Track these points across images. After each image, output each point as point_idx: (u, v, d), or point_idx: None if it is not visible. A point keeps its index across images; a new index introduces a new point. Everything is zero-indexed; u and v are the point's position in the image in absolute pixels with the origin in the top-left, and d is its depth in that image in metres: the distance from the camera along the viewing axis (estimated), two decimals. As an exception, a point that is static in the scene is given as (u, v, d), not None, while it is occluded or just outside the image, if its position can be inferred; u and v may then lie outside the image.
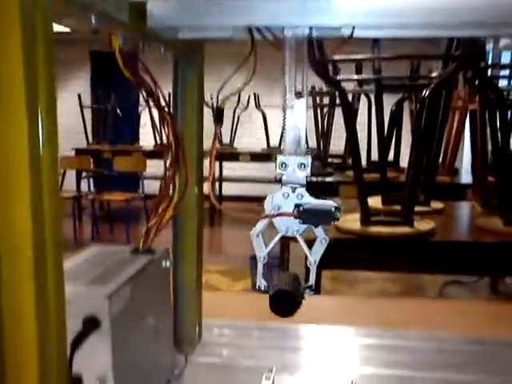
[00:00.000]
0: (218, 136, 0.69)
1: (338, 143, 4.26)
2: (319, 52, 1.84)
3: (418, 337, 0.94)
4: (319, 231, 0.65)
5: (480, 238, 1.99)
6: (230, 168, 6.80)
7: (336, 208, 0.63)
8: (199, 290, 0.85)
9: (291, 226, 0.65)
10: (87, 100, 7.23)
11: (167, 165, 0.69)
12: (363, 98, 3.47)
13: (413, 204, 1.98)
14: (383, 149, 2.37)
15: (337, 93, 2.25)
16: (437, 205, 2.42)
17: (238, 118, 6.44)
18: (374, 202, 2.40)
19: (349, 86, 2.99)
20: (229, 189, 7.02)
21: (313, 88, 3.71)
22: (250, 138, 6.90)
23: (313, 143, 4.39)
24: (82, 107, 6.64)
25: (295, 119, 0.64)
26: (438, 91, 1.95)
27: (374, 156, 2.98)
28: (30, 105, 0.40)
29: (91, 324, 0.54)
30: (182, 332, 0.83)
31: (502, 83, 3.00)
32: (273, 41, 0.63)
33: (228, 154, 6.09)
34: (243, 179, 6.91)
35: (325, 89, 3.65)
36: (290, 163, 0.64)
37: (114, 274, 0.60)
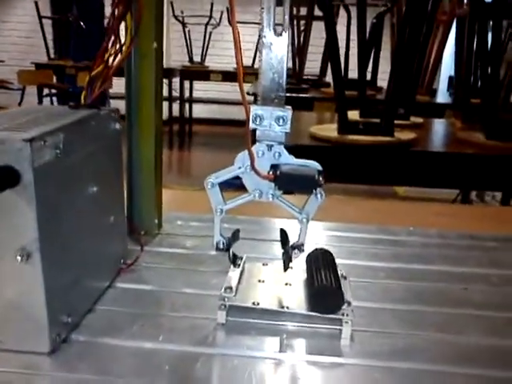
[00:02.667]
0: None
1: (312, 61, 4.09)
2: None
3: (399, 232, 0.85)
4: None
5: (462, 150, 1.90)
6: (201, 89, 6.55)
7: (319, 172, 0.53)
8: (159, 171, 0.72)
9: (265, 189, 0.55)
10: (47, 11, 6.74)
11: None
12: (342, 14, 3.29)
13: (393, 114, 1.87)
14: (363, 63, 2.23)
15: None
16: (417, 119, 2.33)
17: (210, 34, 6.13)
18: (352, 115, 2.29)
19: None
20: (199, 111, 6.81)
21: None
22: (221, 58, 6.60)
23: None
24: (40, 17, 6.16)
25: (274, 61, 0.53)
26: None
27: (352, 75, 2.84)
28: None
29: (7, 178, 0.41)
30: (137, 218, 0.71)
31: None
32: None
33: (199, 72, 5.84)
34: (214, 101, 6.68)
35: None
36: (266, 116, 0.53)
37: (43, 123, 0.46)
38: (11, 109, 0.54)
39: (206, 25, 6.10)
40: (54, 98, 6.27)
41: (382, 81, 3.23)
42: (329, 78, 3.19)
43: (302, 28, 3.87)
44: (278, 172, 0.53)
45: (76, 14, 6.02)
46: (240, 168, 0.55)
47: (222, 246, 0.57)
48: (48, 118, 0.48)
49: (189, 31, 6.05)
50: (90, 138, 0.51)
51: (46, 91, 5.87)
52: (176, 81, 5.98)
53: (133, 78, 0.66)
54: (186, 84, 6.25)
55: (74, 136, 0.47)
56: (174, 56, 6.73)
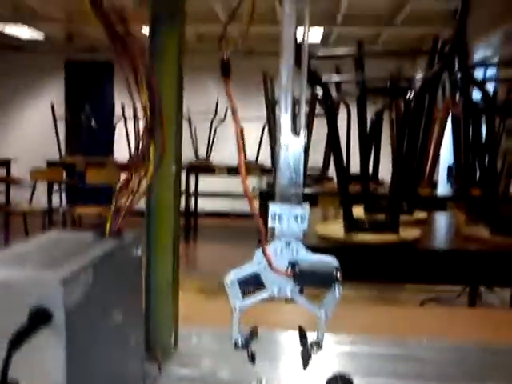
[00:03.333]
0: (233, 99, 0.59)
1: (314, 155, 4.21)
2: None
3: (415, 346, 0.84)
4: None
5: (467, 246, 1.92)
6: (206, 182, 6.68)
7: (336, 268, 0.55)
8: (176, 289, 0.73)
9: (283, 285, 0.55)
10: (61, 111, 7.06)
11: (140, 133, 0.58)
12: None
13: (398, 211, 1.90)
14: (366, 157, 2.30)
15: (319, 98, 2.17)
16: (420, 214, 2.36)
17: (215, 130, 6.36)
18: (356, 211, 2.33)
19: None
20: (205, 204, 6.90)
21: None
22: (226, 152, 6.80)
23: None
24: (55, 118, 6.46)
25: (291, 160, 0.56)
26: (423, 93, 1.89)
27: (353, 169, 2.92)
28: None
29: (39, 318, 0.42)
30: (155, 337, 0.72)
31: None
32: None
33: (204, 167, 5.99)
34: (219, 194, 6.79)
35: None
36: (285, 214, 0.55)
37: (72, 258, 0.49)
38: (37, 237, 0.57)
39: (212, 121, 6.34)
40: (63, 193, 6.42)
41: (383, 174, 3.32)
42: (332, 170, 3.27)
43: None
44: (297, 269, 0.53)
45: (89, 112, 6.30)
46: (259, 264, 0.55)
47: (240, 344, 0.56)
48: (76, 251, 0.51)
49: (195, 128, 6.28)
50: (115, 270, 0.54)
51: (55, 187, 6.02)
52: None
53: (152, 199, 0.69)
54: (192, 178, 6.40)
55: (101, 271, 0.49)
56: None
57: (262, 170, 5.40)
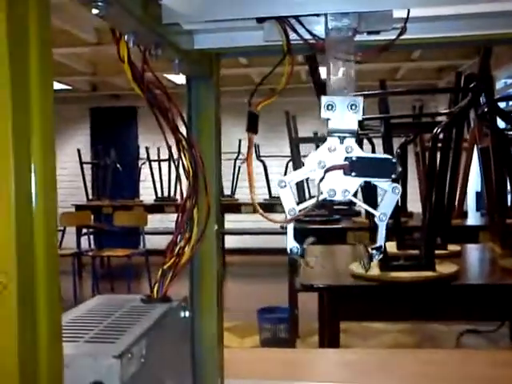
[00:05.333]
0: (252, 146, 0.58)
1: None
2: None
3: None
4: (384, 181, 0.53)
5: (505, 280, 1.87)
6: (232, 220, 6.70)
7: (396, 161, 0.52)
8: (220, 347, 0.73)
9: (339, 187, 0.52)
10: (88, 156, 7.24)
11: (184, 196, 0.59)
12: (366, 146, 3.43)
13: (433, 247, 1.87)
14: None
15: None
16: (454, 247, 2.31)
17: (239, 169, 6.41)
18: (389, 247, 2.30)
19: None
20: (231, 241, 6.90)
21: (315, 134, 3.67)
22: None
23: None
24: (81, 163, 6.61)
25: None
26: (452, 127, 1.89)
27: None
28: (18, 155, 0.33)
29: (98, 392, 0.42)
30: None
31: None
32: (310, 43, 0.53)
33: (230, 205, 6.02)
34: (246, 232, 6.79)
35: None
36: (338, 104, 0.51)
37: (124, 328, 0.49)
38: (86, 303, 0.57)
39: (235, 160, 6.40)
40: (91, 236, 6.50)
41: (410, 205, 3.29)
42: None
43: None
44: (354, 158, 0.51)
45: (114, 157, 6.43)
46: (312, 169, 0.53)
47: (296, 251, 0.56)
48: (128, 320, 0.51)
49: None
50: (166, 336, 0.54)
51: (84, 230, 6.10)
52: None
53: (195, 259, 0.69)
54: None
55: (154, 340, 0.50)
56: (205, 190, 6.98)
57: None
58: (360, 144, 2.03)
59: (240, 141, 6.46)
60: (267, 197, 6.22)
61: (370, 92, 2.00)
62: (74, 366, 0.40)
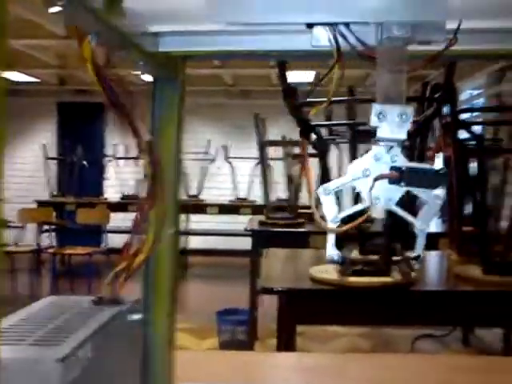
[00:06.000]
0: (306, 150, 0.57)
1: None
2: (294, 96, 1.80)
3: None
4: (425, 192, 0.53)
5: (460, 287, 1.92)
6: (197, 221, 6.67)
7: (442, 171, 0.52)
8: (172, 350, 0.72)
9: (383, 195, 0.52)
10: (54, 152, 7.11)
11: (142, 198, 0.59)
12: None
13: (391, 253, 1.90)
14: (356, 199, 2.32)
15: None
16: (414, 254, 2.36)
17: (206, 169, 6.40)
18: (353, 252, 2.33)
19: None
20: (195, 242, 6.87)
21: (283, 138, 3.69)
22: (218, 191, 6.81)
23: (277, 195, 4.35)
24: (46, 158, 6.48)
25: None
26: (416, 136, 1.93)
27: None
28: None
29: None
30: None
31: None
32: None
33: (195, 206, 5.99)
34: (210, 232, 6.77)
35: (294, 138, 3.64)
36: (388, 113, 0.51)
37: (71, 331, 0.48)
38: (34, 305, 0.56)
39: (203, 160, 6.39)
40: (53, 233, 6.37)
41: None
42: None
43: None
44: (404, 167, 0.51)
45: (81, 153, 6.33)
46: (355, 176, 0.53)
47: (336, 259, 0.56)
48: (74, 322, 0.50)
49: (185, 166, 6.32)
50: (115, 339, 0.53)
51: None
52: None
53: (151, 262, 0.69)
54: (182, 216, 6.39)
55: (101, 343, 0.49)
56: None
57: (255, 208, 5.39)
58: (326, 149, 2.03)
59: (209, 141, 6.46)
60: (233, 198, 6.22)
61: (338, 98, 2.03)
62: (13, 369, 0.39)
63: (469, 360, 1.27)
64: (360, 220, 0.53)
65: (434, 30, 0.51)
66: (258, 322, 3.61)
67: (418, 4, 0.49)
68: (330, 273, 1.85)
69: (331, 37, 0.54)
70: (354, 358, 1.32)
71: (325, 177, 1.89)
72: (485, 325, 3.15)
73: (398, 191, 0.53)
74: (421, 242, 0.56)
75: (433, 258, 2.55)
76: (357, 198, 0.57)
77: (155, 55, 0.58)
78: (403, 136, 0.52)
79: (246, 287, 3.56)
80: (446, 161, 2.57)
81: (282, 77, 1.75)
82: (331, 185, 0.54)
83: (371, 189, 0.52)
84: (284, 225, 3.38)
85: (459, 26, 0.51)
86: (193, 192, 6.30)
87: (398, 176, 0.51)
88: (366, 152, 0.56)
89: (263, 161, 3.59)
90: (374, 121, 0.51)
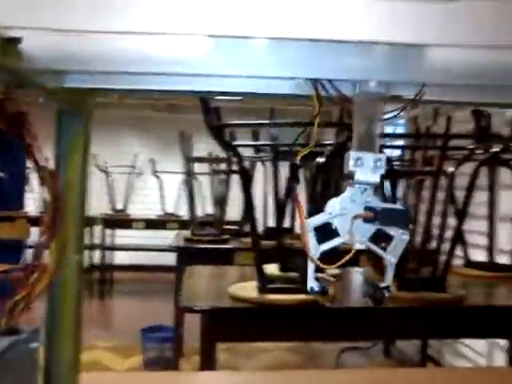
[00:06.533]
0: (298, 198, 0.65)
1: (235, 210, 4.28)
2: (216, 116, 1.84)
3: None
4: (393, 229, 0.59)
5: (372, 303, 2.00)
6: (123, 235, 6.53)
7: (409, 211, 0.59)
8: (76, 376, 0.72)
9: (359, 231, 0.59)
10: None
11: (43, 226, 0.59)
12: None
13: (307, 269, 1.96)
14: (280, 215, 2.38)
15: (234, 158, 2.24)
16: (334, 271, 2.43)
17: (133, 183, 6.30)
18: (272, 269, 2.38)
19: (246, 153, 3.03)
20: (121, 257, 6.72)
21: (209, 154, 3.72)
22: (145, 205, 6.71)
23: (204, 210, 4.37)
24: (-41, 170, 6.13)
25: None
26: (333, 157, 2.01)
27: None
28: None
29: None
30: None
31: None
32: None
33: (121, 220, 5.86)
34: (137, 248, 6.64)
35: (221, 155, 3.67)
36: (365, 159, 0.57)
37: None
38: None
39: (130, 174, 6.29)
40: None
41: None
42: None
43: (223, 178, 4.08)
44: (379, 208, 0.57)
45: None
46: (332, 214, 0.59)
47: (316, 289, 0.61)
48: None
49: (112, 180, 6.19)
50: (11, 368, 0.53)
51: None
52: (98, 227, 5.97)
53: (54, 289, 0.69)
54: (108, 230, 6.25)
55: (-6, 375, 0.49)
56: (95, 203, 6.75)
57: (183, 223, 5.35)
58: (254, 167, 2.09)
59: (135, 155, 6.37)
60: (161, 213, 6.15)
61: (261, 121, 2.11)
62: None
63: (386, 373, 1.33)
64: (348, 257, 0.59)
65: (406, 86, 0.58)
66: (183, 339, 3.58)
67: (395, 66, 0.54)
68: (249, 290, 1.88)
69: (312, 87, 0.59)
70: (279, 375, 1.35)
71: (247, 196, 1.93)
72: (400, 338, 3.31)
73: (371, 228, 0.59)
74: (390, 273, 0.61)
75: (353, 275, 2.63)
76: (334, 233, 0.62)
77: (58, 91, 0.59)
78: (377, 180, 0.58)
79: (172, 303, 3.53)
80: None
81: (206, 114, 1.78)
82: (311, 222, 0.60)
83: (351, 226, 0.58)
84: (209, 241, 3.39)
85: (423, 86, 0.57)
86: (119, 206, 6.17)
87: (373, 216, 0.57)
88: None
89: (188, 177, 3.60)
90: (351, 165, 0.58)
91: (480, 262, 2.61)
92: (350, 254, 0.59)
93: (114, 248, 6.36)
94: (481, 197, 2.63)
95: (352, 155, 0.57)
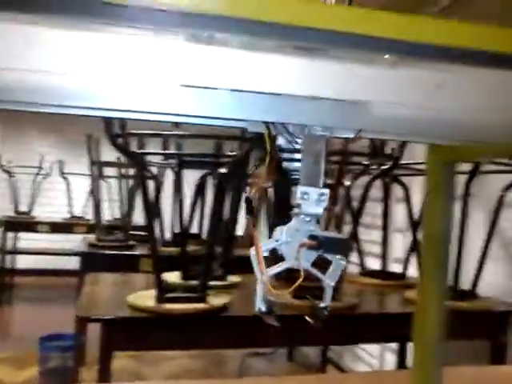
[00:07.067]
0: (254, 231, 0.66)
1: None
2: (120, 126, 1.82)
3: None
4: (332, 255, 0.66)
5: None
6: (28, 238, 6.23)
7: (350, 240, 0.64)
8: None
9: (303, 257, 0.64)
10: None
11: None
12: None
13: (207, 278, 1.99)
14: (182, 222, 2.40)
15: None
16: (234, 279, 2.48)
17: (39, 185, 6.04)
18: (174, 276, 2.37)
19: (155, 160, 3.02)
20: (25, 262, 6.42)
21: (118, 159, 3.65)
22: (51, 207, 6.44)
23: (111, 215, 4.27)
24: None
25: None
26: (234, 169, 2.06)
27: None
28: None
29: None
30: None
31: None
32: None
33: (26, 223, 5.59)
34: (41, 252, 6.35)
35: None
36: (311, 193, 0.64)
37: None
38: None
39: (36, 175, 6.03)
40: None
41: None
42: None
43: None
44: (323, 238, 0.62)
45: None
46: (278, 241, 0.64)
47: (264, 310, 0.65)
48: None
49: (16, 181, 5.90)
50: None
51: None
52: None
53: None
54: (11, 233, 5.94)
55: None
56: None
57: (91, 227, 5.19)
58: (163, 173, 2.09)
59: (43, 156, 6.12)
60: (68, 216, 5.94)
61: (170, 132, 2.12)
62: None
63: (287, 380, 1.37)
64: (298, 283, 0.63)
65: (348, 131, 0.65)
66: (85, 348, 3.47)
67: (337, 116, 0.60)
68: (147, 299, 1.87)
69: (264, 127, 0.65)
70: None
71: (145, 203, 1.92)
72: (297, 345, 3.41)
73: (314, 254, 0.65)
74: (329, 294, 0.67)
75: (252, 283, 2.68)
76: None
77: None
78: (320, 211, 0.65)
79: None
80: (265, 190, 2.77)
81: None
82: (253, 250, 0.64)
83: (298, 253, 0.64)
84: (114, 247, 3.33)
85: (360, 131, 0.64)
86: (23, 208, 5.89)
87: (317, 244, 0.63)
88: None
89: (94, 181, 3.52)
90: (298, 198, 0.64)
91: (375, 271, 2.75)
92: (300, 280, 0.63)
93: (15, 252, 6.05)
94: (377, 209, 2.78)
95: (300, 189, 0.64)
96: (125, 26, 0.50)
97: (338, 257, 0.66)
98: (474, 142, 0.65)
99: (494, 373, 1.54)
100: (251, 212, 0.71)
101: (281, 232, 0.66)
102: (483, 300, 2.31)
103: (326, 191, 0.65)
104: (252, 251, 0.64)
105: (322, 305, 0.68)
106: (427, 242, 0.81)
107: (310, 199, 0.64)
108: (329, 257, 0.66)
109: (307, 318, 0.67)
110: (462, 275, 2.35)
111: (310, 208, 0.64)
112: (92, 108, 0.55)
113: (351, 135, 0.67)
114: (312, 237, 0.65)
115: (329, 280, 0.67)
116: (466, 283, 2.34)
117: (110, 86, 0.52)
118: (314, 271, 0.66)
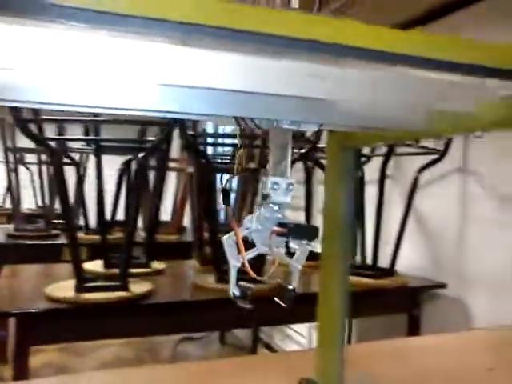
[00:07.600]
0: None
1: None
2: (33, 112, 1.74)
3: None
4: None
5: (196, 297, 2.06)
6: None
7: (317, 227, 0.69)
8: None
9: (270, 244, 0.68)
10: None
11: None
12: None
13: (128, 266, 1.95)
14: (102, 209, 2.33)
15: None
16: (158, 265, 2.45)
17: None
18: (97, 265, 2.31)
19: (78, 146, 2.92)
20: None
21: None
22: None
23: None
24: None
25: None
26: (151, 155, 2.03)
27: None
28: None
29: None
30: None
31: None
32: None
33: None
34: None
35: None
36: (280, 184, 0.68)
37: None
38: None
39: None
40: None
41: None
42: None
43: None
44: (292, 226, 0.66)
45: None
46: (249, 229, 0.68)
47: (238, 294, 0.66)
48: None
49: None
50: None
51: None
52: None
53: None
54: None
55: None
56: None
57: (10, 217, 4.95)
58: (86, 159, 2.02)
59: None
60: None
61: (88, 118, 2.04)
62: None
63: (220, 364, 1.37)
64: (274, 267, 0.68)
65: (307, 125, 0.68)
66: (7, 344, 3.33)
67: (306, 112, 0.62)
68: (66, 290, 1.82)
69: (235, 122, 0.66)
70: (122, 373, 1.30)
71: (60, 189, 1.84)
72: (225, 328, 3.44)
73: (283, 240, 0.69)
74: (296, 276, 0.71)
75: (177, 269, 2.66)
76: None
77: None
78: (288, 200, 0.69)
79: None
80: (190, 176, 2.75)
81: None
82: (231, 235, 0.68)
83: (270, 240, 0.68)
84: (34, 237, 3.19)
85: (321, 125, 0.68)
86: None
87: (286, 232, 0.67)
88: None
89: (9, 168, 3.35)
90: (268, 188, 0.68)
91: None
92: (276, 264, 0.68)
93: None
94: (300, 191, 2.83)
95: (270, 179, 0.68)
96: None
97: (303, 242, 0.70)
98: (367, 129, 0.68)
99: (409, 345, 1.62)
100: (227, 202, 0.74)
101: (251, 220, 0.70)
102: (400, 277, 2.42)
103: (293, 181, 0.70)
104: (225, 238, 0.67)
105: (290, 287, 0.72)
106: (328, 224, 0.83)
107: (280, 189, 0.69)
108: (295, 243, 0.70)
109: (276, 299, 0.70)
110: (380, 254, 2.45)
111: (279, 197, 0.69)
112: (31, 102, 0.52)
113: (315, 129, 0.71)
114: (281, 224, 0.69)
115: (296, 263, 0.71)
116: (386, 261, 2.44)
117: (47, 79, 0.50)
118: (282, 255, 0.70)
